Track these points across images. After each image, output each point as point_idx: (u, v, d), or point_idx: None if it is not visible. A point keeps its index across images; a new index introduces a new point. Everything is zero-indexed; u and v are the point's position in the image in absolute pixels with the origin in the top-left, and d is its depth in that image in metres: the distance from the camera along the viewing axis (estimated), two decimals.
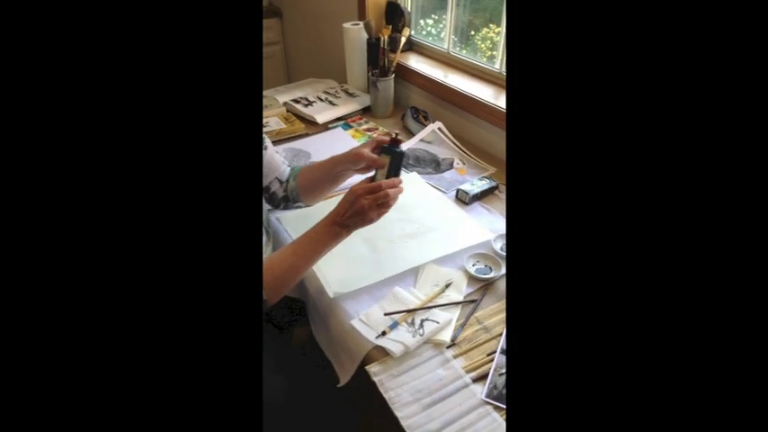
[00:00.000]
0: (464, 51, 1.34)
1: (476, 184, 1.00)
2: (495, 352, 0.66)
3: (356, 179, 0.79)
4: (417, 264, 0.82)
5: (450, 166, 1.12)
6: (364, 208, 0.68)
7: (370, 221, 0.70)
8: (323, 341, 0.77)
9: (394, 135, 0.77)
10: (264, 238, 0.79)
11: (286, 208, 0.92)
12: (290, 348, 0.94)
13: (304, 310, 0.84)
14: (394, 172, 0.74)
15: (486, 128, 1.18)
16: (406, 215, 0.95)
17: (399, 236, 0.89)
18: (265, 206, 0.85)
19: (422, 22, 1.46)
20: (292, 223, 0.91)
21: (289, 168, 0.90)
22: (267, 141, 0.85)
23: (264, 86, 1.50)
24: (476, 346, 0.68)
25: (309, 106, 1.35)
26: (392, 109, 1.38)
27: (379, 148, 0.77)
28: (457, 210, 0.97)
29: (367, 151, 0.76)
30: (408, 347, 0.67)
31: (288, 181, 0.89)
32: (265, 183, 0.86)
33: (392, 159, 0.74)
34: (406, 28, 1.33)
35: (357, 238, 0.87)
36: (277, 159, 0.87)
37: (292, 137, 1.24)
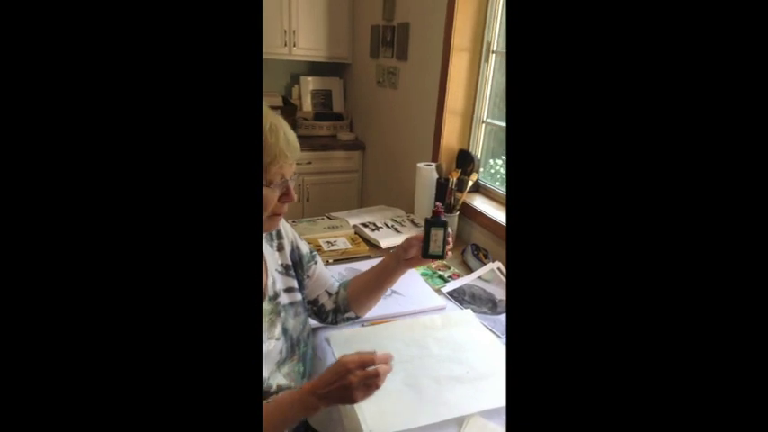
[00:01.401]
0: None
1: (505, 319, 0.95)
2: None
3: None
4: (463, 413, 0.75)
5: None
6: (352, 385, 0.63)
7: (353, 401, 0.65)
8: None
9: (435, 207, 0.83)
10: (286, 351, 0.78)
11: (335, 321, 0.93)
12: None
13: None
14: (444, 241, 0.81)
15: None
16: (456, 355, 0.90)
17: (446, 377, 0.84)
18: (308, 325, 0.86)
19: (491, 161, 1.58)
20: (341, 345, 0.91)
21: (337, 282, 0.93)
22: (318, 257, 0.91)
23: (339, 209, 1.64)
24: None
25: (376, 231, 1.44)
26: (454, 243, 1.42)
27: (425, 221, 0.82)
28: None
29: (416, 239, 0.84)
30: None
31: (338, 292, 0.92)
32: (314, 295, 0.90)
33: (443, 230, 0.81)
34: (474, 173, 1.43)
35: (401, 372, 0.84)
36: (326, 273, 0.92)
37: (355, 257, 1.30)
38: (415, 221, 1.52)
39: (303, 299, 0.85)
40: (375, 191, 2.29)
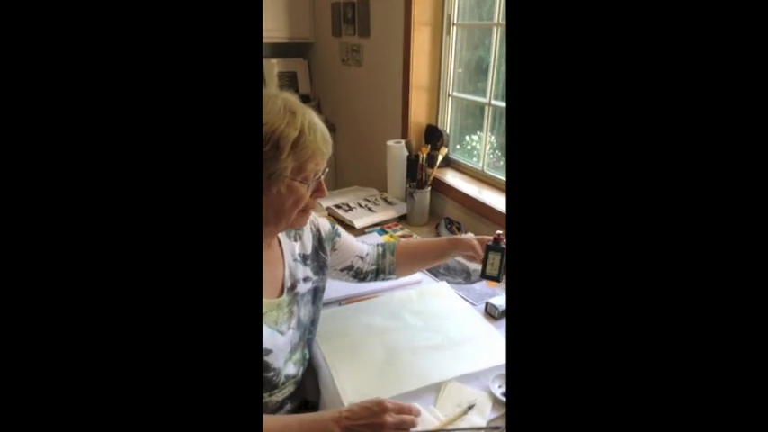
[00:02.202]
0: None
1: (506, 299, 0.98)
2: None
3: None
4: (440, 380, 0.78)
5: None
6: (385, 426, 0.61)
7: None
8: None
9: (497, 234, 0.88)
10: (297, 339, 0.79)
11: (374, 280, 0.96)
12: None
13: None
14: (500, 264, 0.87)
15: None
16: (433, 325, 0.93)
17: (424, 346, 0.87)
18: (316, 312, 0.85)
19: (467, 137, 1.58)
20: (321, 324, 0.92)
21: (367, 245, 0.95)
22: (340, 230, 0.91)
23: None
24: None
25: (349, 211, 1.44)
26: (427, 218, 1.44)
27: (485, 245, 0.87)
28: (486, 324, 0.94)
29: (479, 247, 0.89)
30: None
31: (383, 255, 0.94)
32: (347, 263, 0.92)
33: (500, 255, 0.87)
34: (443, 147, 1.44)
35: (379, 345, 0.86)
36: (352, 239, 0.94)
37: None
38: (389, 200, 1.53)
39: (315, 287, 0.84)
40: (349, 172, 2.28)
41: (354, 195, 1.58)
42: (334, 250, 0.90)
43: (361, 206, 1.48)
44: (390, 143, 1.50)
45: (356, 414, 0.63)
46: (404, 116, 1.60)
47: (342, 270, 0.93)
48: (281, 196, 0.67)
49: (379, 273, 0.95)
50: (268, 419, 0.66)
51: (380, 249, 0.95)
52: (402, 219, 1.46)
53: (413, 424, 0.64)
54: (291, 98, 0.68)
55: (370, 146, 1.96)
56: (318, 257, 0.86)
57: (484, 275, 0.89)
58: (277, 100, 0.66)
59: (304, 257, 0.83)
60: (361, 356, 0.84)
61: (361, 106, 2.00)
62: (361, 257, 0.93)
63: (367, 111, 1.94)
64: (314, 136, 0.66)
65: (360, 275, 0.94)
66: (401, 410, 0.64)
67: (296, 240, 0.83)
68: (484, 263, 0.89)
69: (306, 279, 0.82)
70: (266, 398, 0.73)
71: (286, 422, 0.66)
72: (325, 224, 0.89)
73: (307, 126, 0.66)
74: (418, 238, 1.33)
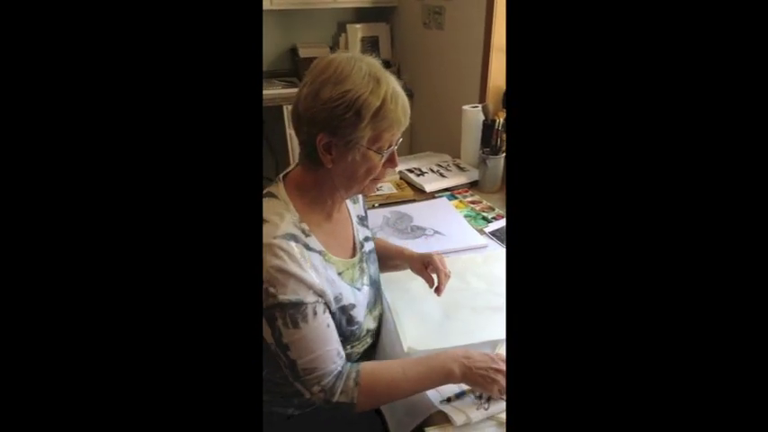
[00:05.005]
0: None
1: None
2: None
3: None
4: (496, 338, 0.81)
5: None
6: (498, 383, 0.64)
7: (489, 391, 0.66)
8: None
9: None
10: (373, 296, 0.83)
11: None
12: None
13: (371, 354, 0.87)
14: None
15: None
16: (494, 288, 0.95)
17: (483, 307, 0.89)
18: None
19: None
20: (385, 283, 0.98)
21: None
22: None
23: None
24: None
25: (421, 176, 1.47)
26: (500, 185, 1.42)
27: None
28: None
29: (439, 266, 0.83)
30: (470, 419, 0.65)
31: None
32: None
33: None
34: None
35: (441, 303, 0.90)
36: None
37: (400, 201, 1.35)
38: (461, 166, 1.52)
39: (373, 246, 0.89)
40: (424, 138, 2.29)
41: (428, 160, 1.60)
42: None
43: (432, 171, 1.50)
44: (466, 108, 1.48)
45: (474, 359, 0.65)
46: (483, 80, 1.56)
47: None
48: (355, 163, 0.67)
49: None
50: (388, 364, 0.70)
51: None
52: (473, 185, 1.45)
53: None
54: (376, 64, 0.65)
55: (446, 111, 1.95)
56: (367, 218, 0.90)
57: None
58: (362, 65, 0.63)
59: (361, 219, 0.87)
60: (422, 308, 0.89)
61: (439, 71, 1.97)
62: None
63: (445, 75, 1.91)
64: (395, 106, 0.64)
65: None
66: None
67: (355, 203, 0.87)
68: None
69: (366, 239, 0.86)
70: (349, 350, 0.77)
71: (404, 362, 0.69)
72: None
73: (390, 95, 0.63)
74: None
